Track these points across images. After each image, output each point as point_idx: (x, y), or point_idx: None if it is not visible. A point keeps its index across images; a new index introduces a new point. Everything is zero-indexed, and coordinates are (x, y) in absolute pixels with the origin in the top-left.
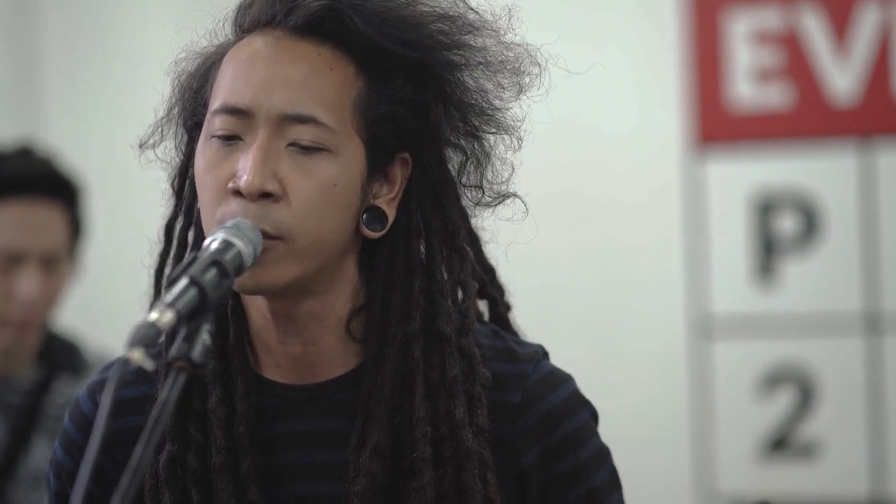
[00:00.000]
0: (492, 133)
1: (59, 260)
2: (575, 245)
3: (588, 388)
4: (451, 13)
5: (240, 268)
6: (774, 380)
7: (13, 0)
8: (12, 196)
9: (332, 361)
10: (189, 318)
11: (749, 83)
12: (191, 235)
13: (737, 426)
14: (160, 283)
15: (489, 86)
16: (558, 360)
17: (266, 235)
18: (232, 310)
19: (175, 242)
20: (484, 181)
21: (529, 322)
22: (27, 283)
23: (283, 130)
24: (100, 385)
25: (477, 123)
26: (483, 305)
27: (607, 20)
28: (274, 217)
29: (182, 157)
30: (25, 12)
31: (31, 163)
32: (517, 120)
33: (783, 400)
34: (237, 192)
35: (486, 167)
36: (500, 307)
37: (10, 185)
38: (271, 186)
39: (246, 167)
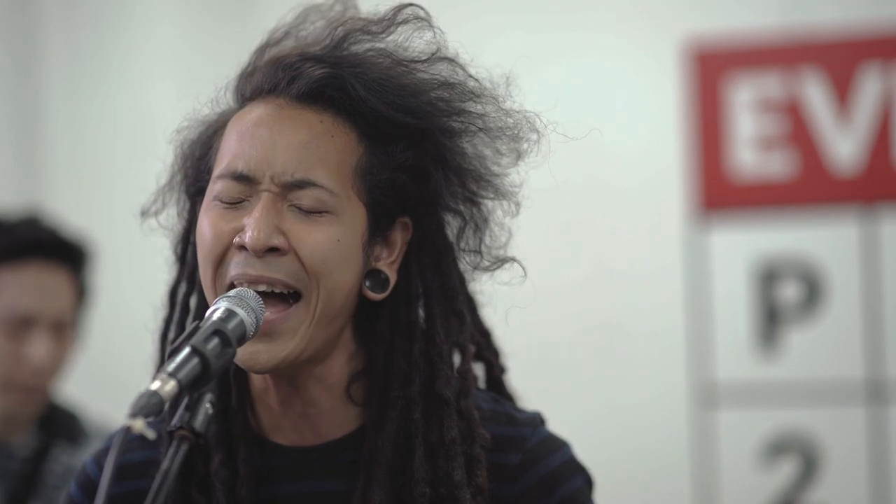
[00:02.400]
0: (490, 199)
1: (67, 325)
2: (577, 311)
3: (590, 455)
4: (450, 80)
5: (242, 337)
6: (778, 448)
7: (15, 60)
8: (24, 260)
9: (333, 422)
10: (191, 387)
11: (752, 151)
12: (193, 301)
13: (740, 494)
14: (165, 348)
15: (487, 152)
16: (560, 427)
17: (281, 286)
18: (233, 373)
19: (178, 308)
20: (482, 246)
21: (530, 386)
22: (38, 348)
23: (285, 194)
24: (106, 451)
25: (475, 188)
26: (479, 368)
27: (611, 88)
28: (285, 267)
29: (184, 223)
30: (27, 71)
31: (41, 228)
32: (515, 185)
33: (786, 468)
34: (242, 248)
35: (485, 232)
36: (496, 370)
37: (22, 249)
38: (277, 241)
39: (251, 224)
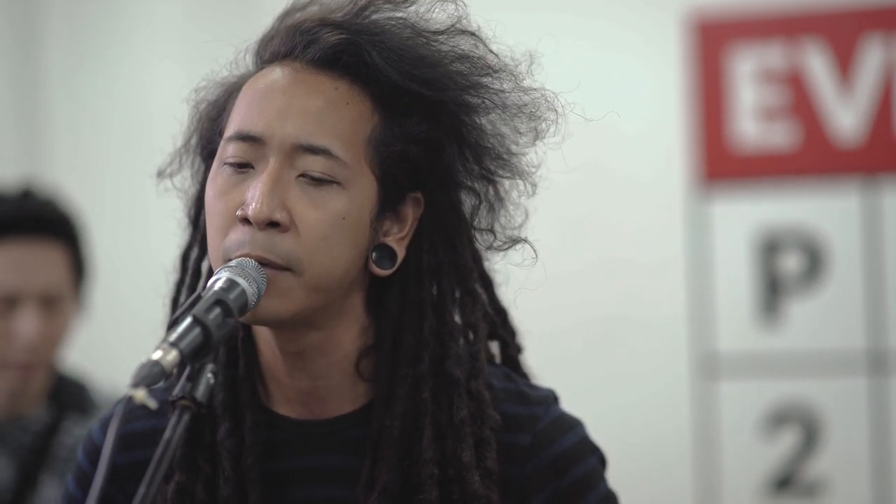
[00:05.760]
0: (507, 178)
1: (60, 299)
2: (578, 283)
3: (591, 427)
4: (470, 54)
5: (244, 307)
6: (779, 419)
7: (16, 37)
8: (6, 237)
9: (341, 397)
10: (193, 357)
11: (754, 122)
12: (205, 265)
13: (741, 465)
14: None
15: (506, 130)
16: (561, 397)
17: (273, 265)
18: (242, 342)
19: (189, 272)
20: (496, 225)
21: (533, 360)
22: (25, 325)
23: (294, 160)
24: (111, 418)
25: (492, 167)
26: (494, 347)
27: (612, 60)
28: (281, 247)
29: (198, 186)
30: (28, 48)
31: (26, 203)
32: (532, 165)
33: (788, 439)
34: (245, 220)
35: (500, 211)
36: (511, 349)
37: (3, 226)
38: (279, 215)
39: (255, 195)
